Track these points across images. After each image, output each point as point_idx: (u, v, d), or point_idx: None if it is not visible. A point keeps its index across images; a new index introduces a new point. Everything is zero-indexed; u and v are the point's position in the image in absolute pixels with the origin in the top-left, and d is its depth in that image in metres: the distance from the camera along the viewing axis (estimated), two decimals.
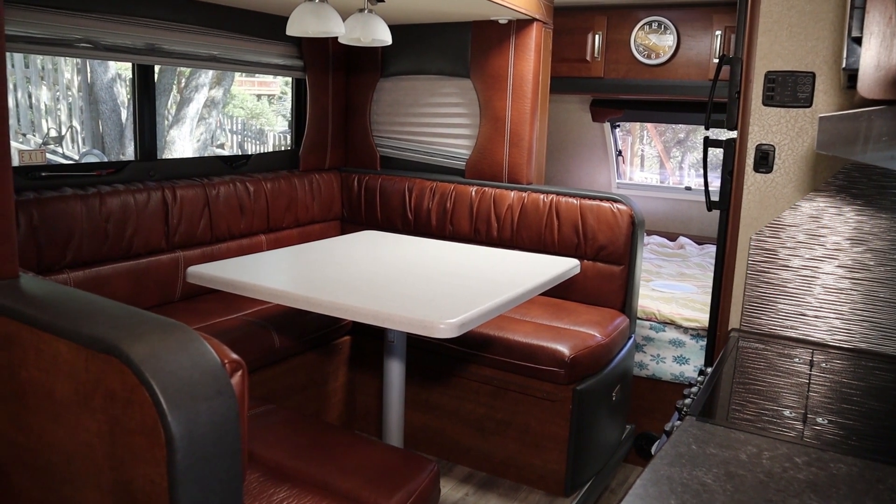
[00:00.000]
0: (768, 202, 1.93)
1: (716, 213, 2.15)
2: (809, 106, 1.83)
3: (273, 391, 2.55)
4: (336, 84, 3.51)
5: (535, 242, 3.06)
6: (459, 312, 1.66)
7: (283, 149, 3.33)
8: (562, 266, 2.30)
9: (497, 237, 3.15)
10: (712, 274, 3.61)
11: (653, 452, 2.76)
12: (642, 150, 5.62)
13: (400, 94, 3.48)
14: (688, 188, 4.77)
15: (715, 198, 2.14)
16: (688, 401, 1.58)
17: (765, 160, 1.93)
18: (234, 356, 1.06)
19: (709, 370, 1.74)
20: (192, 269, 2.02)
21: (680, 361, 3.03)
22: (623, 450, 2.98)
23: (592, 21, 3.77)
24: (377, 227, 3.44)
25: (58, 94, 9.29)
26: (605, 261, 2.95)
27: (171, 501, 0.96)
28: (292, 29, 2.13)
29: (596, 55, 3.77)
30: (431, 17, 3.17)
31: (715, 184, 2.16)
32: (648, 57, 3.68)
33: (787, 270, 1.91)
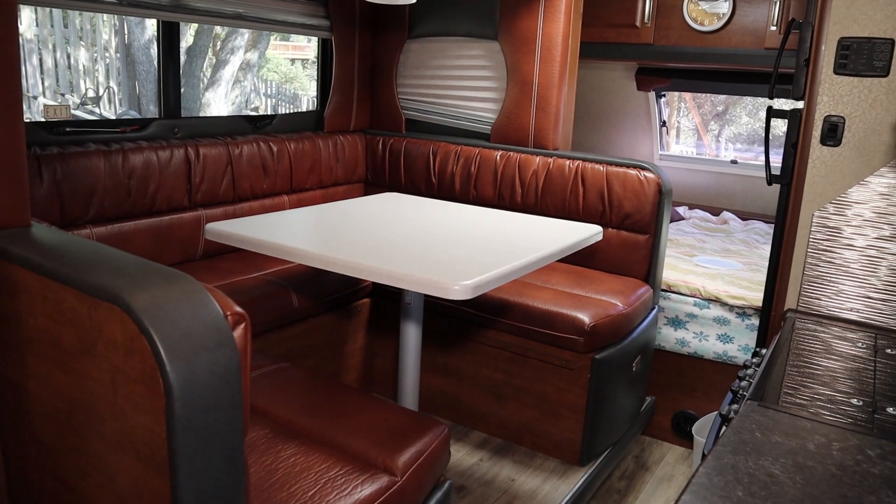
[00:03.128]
0: (834, 177, 1.82)
1: (762, 187, 2.07)
2: (886, 76, 1.72)
3: (291, 350, 2.57)
4: (362, 45, 3.46)
5: (560, 209, 3.01)
6: (475, 275, 1.63)
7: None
8: (583, 232, 2.25)
9: (521, 203, 3.10)
10: (758, 251, 3.60)
11: (693, 433, 2.74)
12: (678, 123, 5.48)
13: (427, 56, 3.42)
14: (733, 161, 4.59)
15: (775, 171, 2.05)
16: (744, 383, 1.52)
17: (833, 132, 1.83)
18: (238, 309, 1.05)
19: (763, 351, 1.67)
20: (210, 225, 2.01)
21: (724, 340, 2.95)
22: (642, 421, 2.95)
23: None
24: (401, 189, 3.41)
25: (96, 54, 9.38)
26: (630, 229, 2.89)
27: (170, 451, 0.95)
28: None
29: (646, 20, 3.62)
30: None
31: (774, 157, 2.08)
32: (701, 23, 3.51)
33: (851, 250, 1.81)
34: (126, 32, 9.23)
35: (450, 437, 1.64)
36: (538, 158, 3.06)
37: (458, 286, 1.58)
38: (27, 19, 8.30)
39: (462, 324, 2.72)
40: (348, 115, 3.47)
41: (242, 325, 1.04)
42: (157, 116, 2.78)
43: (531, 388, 2.61)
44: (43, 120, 2.43)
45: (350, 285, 2.79)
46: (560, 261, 2.99)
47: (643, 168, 2.84)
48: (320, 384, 1.78)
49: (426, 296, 2.66)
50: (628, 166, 2.87)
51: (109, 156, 2.41)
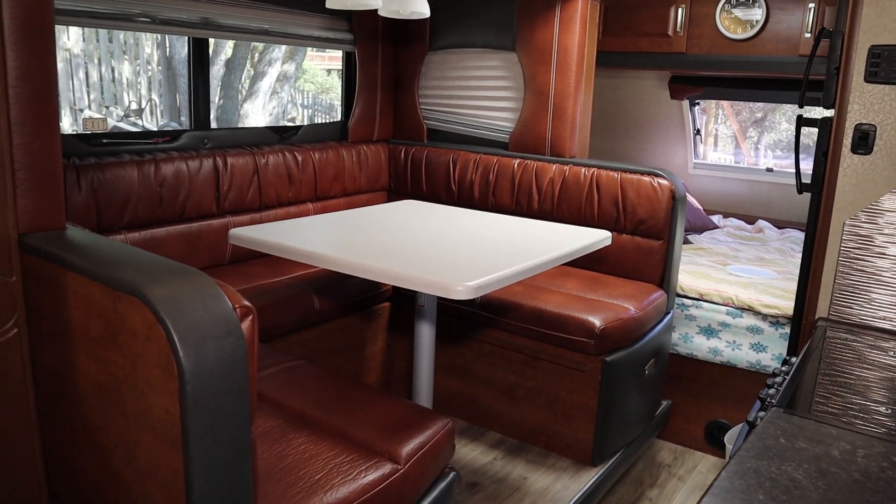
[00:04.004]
0: (865, 186, 1.82)
1: (797, 195, 2.07)
2: None
3: (313, 351, 2.68)
4: (385, 57, 3.58)
5: (576, 216, 3.07)
6: (478, 276, 1.72)
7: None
8: (591, 237, 2.32)
9: (538, 209, 3.17)
10: (793, 259, 3.60)
11: (725, 442, 2.75)
12: (716, 130, 5.45)
13: (447, 68, 3.52)
14: (769, 169, 4.56)
15: (806, 180, 2.04)
16: (771, 391, 1.53)
17: (864, 141, 1.82)
18: (246, 302, 1.15)
19: (794, 360, 1.67)
20: (234, 231, 2.14)
21: (757, 349, 2.95)
22: (657, 425, 2.99)
23: None
24: (422, 197, 3.51)
25: (138, 68, 9.72)
26: (644, 235, 2.94)
27: (183, 429, 1.06)
28: (332, 2, 2.21)
29: (678, 29, 3.64)
30: None
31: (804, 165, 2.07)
32: (734, 31, 3.51)
33: (884, 258, 1.81)
34: (167, 46, 9.54)
35: (454, 430, 1.72)
36: (554, 166, 3.14)
37: (462, 287, 1.66)
38: (75, 35, 8.64)
39: (477, 327, 2.80)
40: (372, 125, 3.59)
41: (250, 318, 1.14)
42: (188, 128, 2.93)
43: (544, 390, 2.68)
44: (81, 132, 2.59)
45: (371, 289, 2.90)
46: (575, 266, 3.06)
47: (657, 175, 2.89)
48: (333, 380, 1.88)
49: (443, 300, 2.77)
50: (642, 173, 2.92)
51: (142, 166, 2.56)
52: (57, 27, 1.26)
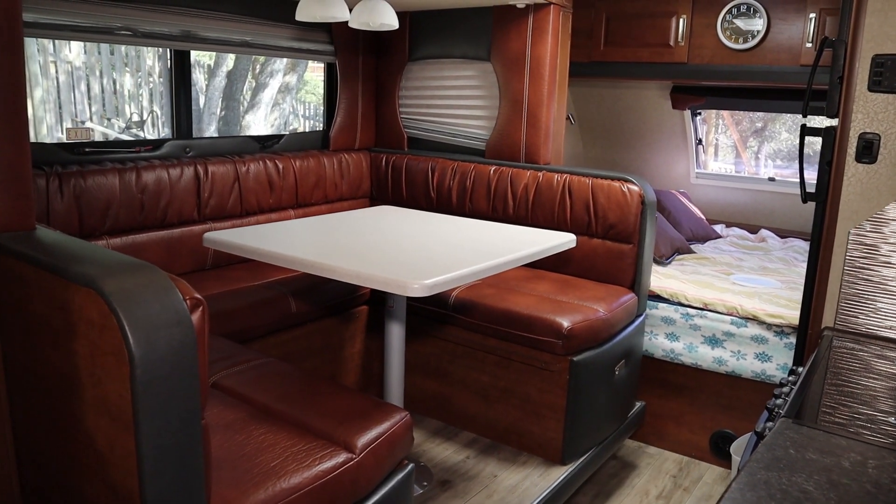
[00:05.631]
0: (870, 195, 1.82)
1: (800, 205, 2.06)
2: None
3: (290, 352, 2.75)
4: (366, 68, 3.68)
5: (549, 220, 3.15)
6: (434, 275, 1.80)
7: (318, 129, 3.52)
8: (555, 240, 2.40)
9: (513, 215, 3.25)
10: (797, 269, 3.63)
11: (732, 452, 2.79)
12: (716, 140, 5.48)
13: (426, 78, 3.62)
14: (771, 179, 4.58)
15: (809, 189, 2.04)
16: (779, 401, 1.53)
17: (868, 150, 1.82)
18: (197, 295, 1.23)
19: (800, 370, 1.66)
20: (208, 234, 2.22)
21: (762, 359, 2.96)
22: (630, 425, 3.05)
23: (677, 4, 3.69)
24: (403, 204, 3.59)
25: (140, 80, 9.84)
26: (614, 239, 3.02)
27: (134, 411, 1.13)
28: (301, 15, 2.30)
29: (680, 40, 3.70)
30: (455, 3, 3.28)
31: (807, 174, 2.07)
32: (735, 41, 3.56)
33: (889, 268, 1.81)
34: (168, 58, 9.62)
35: (412, 423, 1.79)
36: (528, 173, 3.22)
37: (418, 284, 1.74)
38: (76, 48, 8.75)
39: (451, 329, 2.87)
40: (353, 133, 3.68)
41: (200, 309, 1.22)
42: (170, 137, 3.02)
43: (515, 390, 2.75)
44: (65, 141, 2.68)
45: (348, 293, 2.98)
46: (548, 269, 3.14)
47: (626, 180, 2.98)
48: (299, 376, 1.96)
49: (420, 305, 2.85)
50: (612, 179, 3.01)
51: (123, 173, 2.65)
52: (58, 41, 1.34)
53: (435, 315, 2.89)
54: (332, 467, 1.53)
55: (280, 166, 3.25)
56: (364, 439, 1.64)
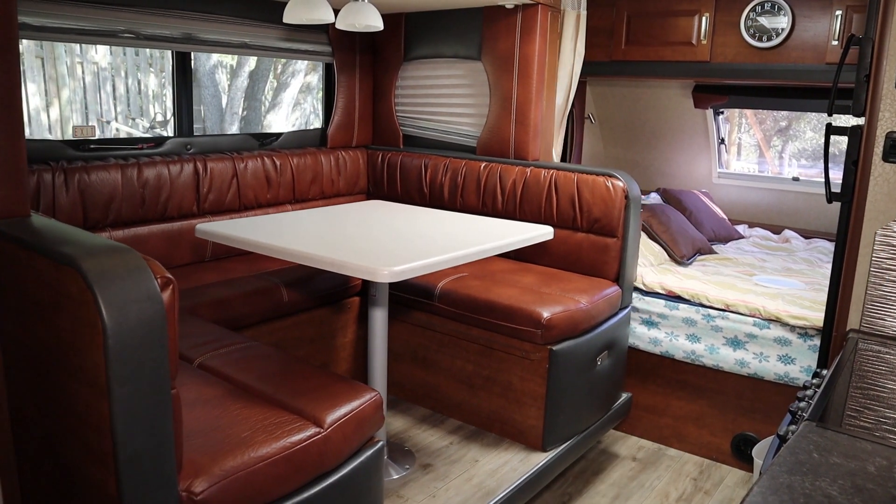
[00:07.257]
0: None
1: (825, 205, 2.01)
2: None
3: (282, 340, 2.87)
4: (363, 67, 3.80)
5: (536, 215, 3.25)
6: (404, 263, 1.91)
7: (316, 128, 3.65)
8: (532, 232, 2.49)
9: (502, 209, 3.35)
10: (821, 270, 3.61)
11: (753, 455, 2.77)
12: (739, 139, 5.45)
13: (421, 77, 3.73)
14: (795, 178, 4.51)
15: (835, 189, 2.02)
16: (802, 404, 1.51)
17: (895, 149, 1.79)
18: (168, 275, 1.35)
19: (824, 372, 1.64)
20: (200, 225, 2.35)
21: (785, 361, 2.92)
22: (615, 416, 3.13)
23: (700, 2, 3.68)
24: (398, 200, 3.70)
25: (164, 80, 10.05)
26: (599, 233, 3.10)
27: (107, 377, 1.26)
28: (288, 17, 2.42)
29: (702, 38, 3.68)
30: (445, 4, 3.39)
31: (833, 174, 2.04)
32: (759, 39, 3.53)
33: None
34: (193, 59, 9.79)
35: (382, 402, 1.90)
36: (517, 169, 3.32)
37: (387, 271, 1.85)
38: (102, 50, 8.96)
39: (437, 319, 2.98)
40: (350, 131, 3.81)
41: (170, 287, 1.34)
42: (172, 135, 3.17)
43: (498, 379, 2.85)
44: (71, 138, 2.83)
45: (340, 284, 3.09)
46: (535, 262, 3.24)
47: (610, 175, 3.06)
48: (279, 358, 2.08)
49: (408, 296, 2.96)
50: (597, 174, 3.09)
51: (125, 169, 2.79)
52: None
53: (422, 305, 3.00)
54: (300, 440, 1.65)
55: (278, 163, 3.38)
56: (333, 416, 1.75)
